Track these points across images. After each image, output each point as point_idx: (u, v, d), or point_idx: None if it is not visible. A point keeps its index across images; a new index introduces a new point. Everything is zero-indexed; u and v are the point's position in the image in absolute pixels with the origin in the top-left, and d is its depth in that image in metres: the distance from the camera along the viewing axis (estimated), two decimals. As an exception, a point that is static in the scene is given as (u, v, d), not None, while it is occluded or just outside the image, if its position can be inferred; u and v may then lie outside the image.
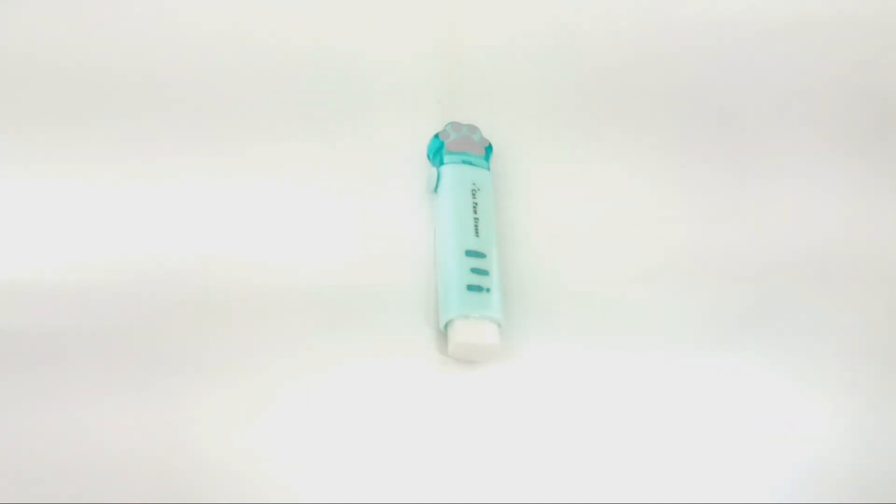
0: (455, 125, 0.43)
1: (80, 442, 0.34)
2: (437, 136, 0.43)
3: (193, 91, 0.46)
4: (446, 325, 0.37)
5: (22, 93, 0.44)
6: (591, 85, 0.48)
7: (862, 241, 0.43)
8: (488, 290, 0.37)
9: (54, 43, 0.46)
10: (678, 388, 0.37)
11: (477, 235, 0.39)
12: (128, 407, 0.35)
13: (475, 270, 0.38)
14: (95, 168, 0.42)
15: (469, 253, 0.38)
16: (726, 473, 0.35)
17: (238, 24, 0.49)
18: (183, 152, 0.43)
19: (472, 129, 0.44)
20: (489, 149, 0.43)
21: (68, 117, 0.44)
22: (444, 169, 0.42)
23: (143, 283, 0.38)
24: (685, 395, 0.37)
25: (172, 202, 0.41)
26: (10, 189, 0.41)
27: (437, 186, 0.41)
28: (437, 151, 0.43)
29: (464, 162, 0.42)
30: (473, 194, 0.41)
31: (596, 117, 0.47)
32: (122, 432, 0.34)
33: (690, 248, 0.42)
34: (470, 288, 0.37)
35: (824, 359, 0.39)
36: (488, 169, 0.42)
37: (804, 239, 0.43)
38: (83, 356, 0.36)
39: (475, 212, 0.40)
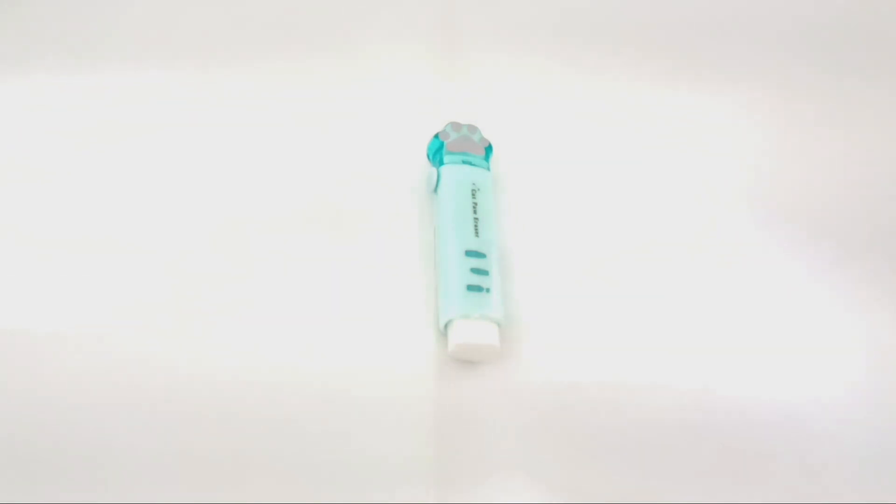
0: (455, 125, 0.43)
1: None
2: (437, 136, 0.43)
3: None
4: (446, 325, 0.37)
5: None
6: (593, 84, 0.48)
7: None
8: (488, 290, 0.37)
9: None
10: (679, 388, 0.37)
11: (477, 235, 0.39)
12: None
13: (475, 270, 0.38)
14: None
15: (469, 253, 0.38)
16: (726, 481, 0.35)
17: (238, 19, 0.50)
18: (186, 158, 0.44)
19: (472, 129, 0.43)
20: (489, 149, 0.43)
21: None
22: (444, 169, 0.42)
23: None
24: (686, 395, 0.37)
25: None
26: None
27: (437, 186, 0.41)
28: (437, 151, 0.43)
29: (464, 162, 0.42)
30: (473, 194, 0.41)
31: (597, 116, 0.47)
32: None
33: (691, 247, 0.42)
34: (470, 288, 0.37)
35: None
36: (488, 169, 0.42)
37: None
38: None
39: (475, 212, 0.40)
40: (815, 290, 0.40)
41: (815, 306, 0.40)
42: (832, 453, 0.35)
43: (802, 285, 0.41)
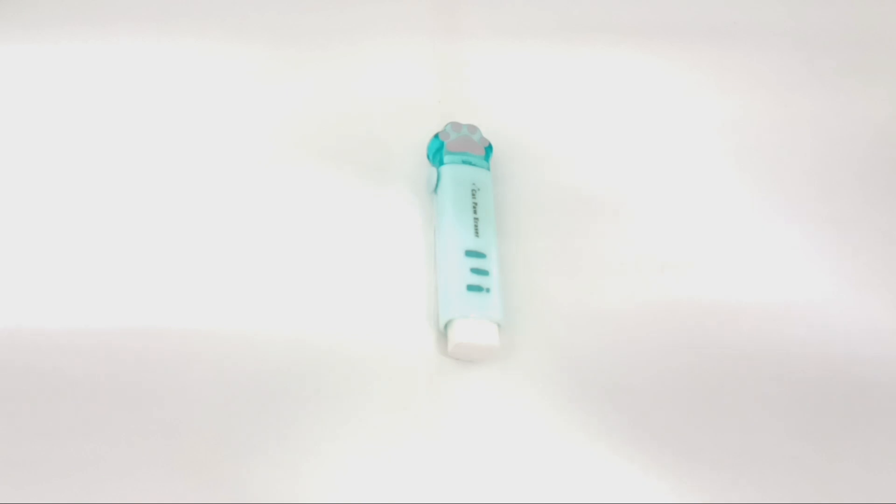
0: (455, 125, 0.43)
1: None
2: (437, 136, 0.43)
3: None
4: (446, 325, 0.37)
5: None
6: (593, 84, 0.49)
7: None
8: (488, 290, 0.37)
9: None
10: (679, 387, 0.37)
11: (477, 235, 0.39)
12: None
13: (475, 270, 0.38)
14: None
15: (469, 253, 0.38)
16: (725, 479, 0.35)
17: (237, 19, 0.50)
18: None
19: (472, 129, 0.44)
20: (489, 149, 0.43)
21: None
22: (444, 169, 0.42)
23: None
24: (687, 395, 0.37)
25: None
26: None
27: (437, 186, 0.41)
28: (437, 151, 0.43)
29: (464, 162, 0.42)
30: (473, 194, 0.41)
31: (598, 116, 0.47)
32: None
33: (691, 247, 0.42)
34: (470, 288, 0.37)
35: None
36: (488, 169, 0.42)
37: None
38: None
39: (475, 212, 0.40)
40: (816, 290, 0.40)
41: (816, 305, 0.40)
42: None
43: (803, 285, 0.41)
